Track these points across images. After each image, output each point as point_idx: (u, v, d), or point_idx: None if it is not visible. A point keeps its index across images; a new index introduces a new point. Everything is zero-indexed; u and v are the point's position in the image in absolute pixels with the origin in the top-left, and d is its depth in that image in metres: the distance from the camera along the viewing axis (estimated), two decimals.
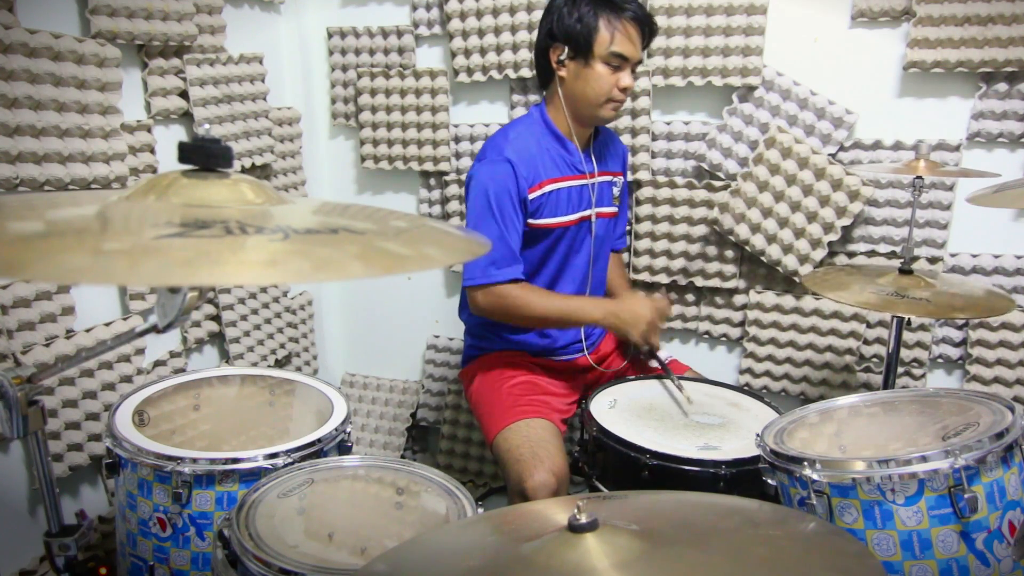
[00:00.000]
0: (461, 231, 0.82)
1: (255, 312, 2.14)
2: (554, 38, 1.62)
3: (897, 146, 1.91)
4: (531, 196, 1.63)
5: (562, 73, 1.63)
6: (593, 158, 1.76)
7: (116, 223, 0.67)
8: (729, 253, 2.09)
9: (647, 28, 1.62)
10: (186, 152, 0.74)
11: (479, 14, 2.10)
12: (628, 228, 2.14)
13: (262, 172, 2.15)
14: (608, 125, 1.88)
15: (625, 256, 2.18)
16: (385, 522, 1.14)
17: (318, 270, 0.59)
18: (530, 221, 1.66)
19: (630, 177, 2.06)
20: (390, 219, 0.81)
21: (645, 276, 2.16)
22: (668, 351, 1.87)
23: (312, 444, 1.32)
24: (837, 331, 2.04)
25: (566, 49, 1.60)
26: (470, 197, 1.64)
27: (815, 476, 1.09)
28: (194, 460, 1.25)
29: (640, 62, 1.67)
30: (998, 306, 1.51)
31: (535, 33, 2.04)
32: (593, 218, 1.75)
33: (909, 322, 1.93)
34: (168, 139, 1.77)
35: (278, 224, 0.66)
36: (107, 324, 1.65)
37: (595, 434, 1.49)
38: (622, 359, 1.89)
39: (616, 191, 1.83)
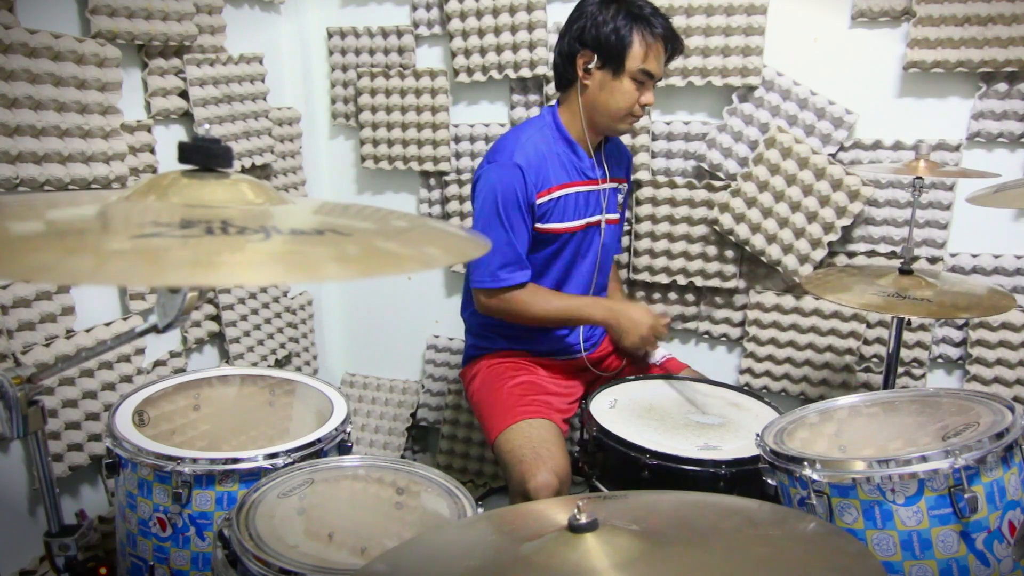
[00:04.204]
0: (462, 231, 0.82)
1: (255, 312, 2.14)
2: (584, 45, 1.59)
3: (897, 146, 1.91)
4: (539, 201, 1.63)
5: (587, 81, 1.62)
6: (605, 164, 1.76)
7: (116, 223, 0.67)
8: (729, 253, 2.09)
9: (673, 48, 1.62)
10: (186, 152, 0.74)
11: (479, 14, 2.10)
12: (628, 228, 2.14)
13: (262, 172, 2.14)
14: None
15: (624, 257, 2.18)
16: (385, 522, 1.14)
17: (315, 271, 0.58)
18: (537, 225, 1.66)
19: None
20: (390, 219, 0.81)
21: (645, 276, 2.16)
22: (667, 350, 1.87)
23: (312, 444, 1.32)
24: (837, 331, 2.04)
25: (596, 58, 1.58)
26: (478, 199, 1.64)
27: (815, 476, 1.09)
28: (194, 460, 1.25)
29: (660, 79, 1.67)
30: (1000, 304, 1.51)
31: (535, 33, 2.05)
32: (602, 224, 1.76)
33: (909, 322, 1.93)
34: (168, 139, 1.77)
35: (277, 224, 0.65)
36: (107, 324, 1.64)
37: (595, 434, 1.49)
38: (621, 359, 1.89)
39: (620, 198, 1.84)
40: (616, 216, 1.82)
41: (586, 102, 1.64)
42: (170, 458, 1.25)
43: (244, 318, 2.09)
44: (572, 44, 1.62)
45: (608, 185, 1.76)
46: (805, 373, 2.11)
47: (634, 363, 1.87)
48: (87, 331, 1.59)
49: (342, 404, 1.47)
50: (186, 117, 1.83)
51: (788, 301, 2.07)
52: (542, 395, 1.73)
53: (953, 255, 1.94)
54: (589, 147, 1.71)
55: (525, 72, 2.10)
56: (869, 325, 2.03)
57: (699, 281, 2.12)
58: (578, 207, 1.71)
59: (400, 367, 2.56)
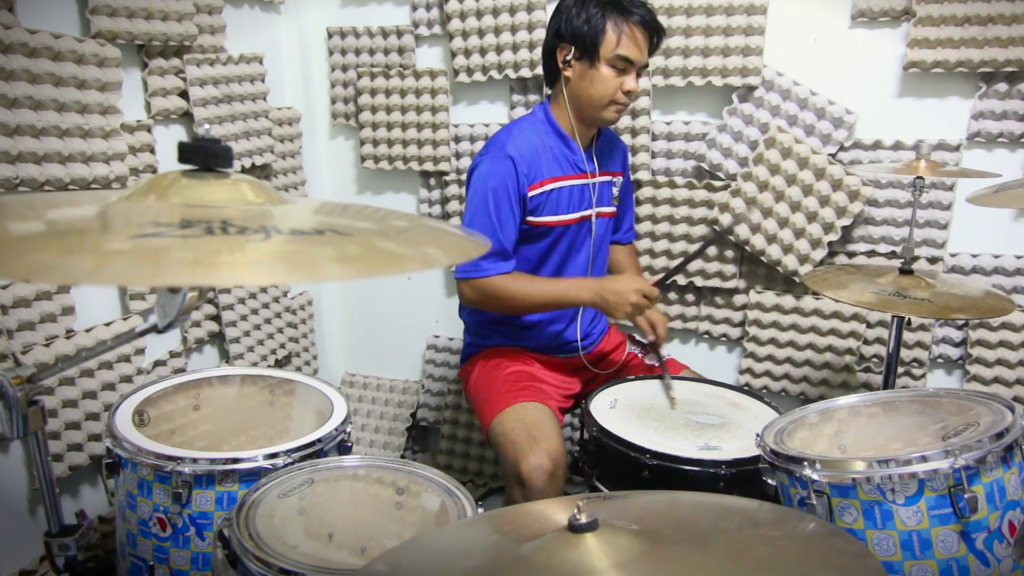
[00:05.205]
0: (461, 231, 0.82)
1: (255, 312, 2.14)
2: (561, 38, 1.62)
3: (897, 146, 1.91)
4: (531, 194, 1.64)
5: (568, 73, 1.64)
6: (595, 158, 1.76)
7: (116, 223, 0.67)
8: (729, 253, 2.09)
9: (654, 33, 1.62)
10: (186, 152, 0.74)
11: (479, 14, 2.10)
12: None
13: (262, 172, 2.15)
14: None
15: None
16: (385, 522, 1.14)
17: (316, 271, 0.58)
18: (530, 219, 1.66)
19: (630, 177, 2.06)
20: (390, 219, 0.81)
21: (645, 276, 2.16)
22: (666, 350, 1.86)
23: (312, 444, 1.32)
24: (837, 331, 2.04)
25: (572, 49, 1.61)
26: (469, 190, 1.66)
27: (815, 476, 1.09)
28: (194, 460, 1.25)
29: (646, 66, 1.67)
30: (999, 307, 1.51)
31: (535, 33, 2.05)
32: (593, 218, 1.76)
33: (909, 322, 1.93)
34: (168, 139, 1.77)
35: (277, 224, 0.65)
36: (107, 324, 1.64)
37: (595, 434, 1.49)
38: (620, 358, 1.89)
39: (615, 191, 1.84)
40: (610, 209, 1.83)
41: (570, 94, 1.66)
42: (170, 458, 1.25)
43: (244, 318, 2.09)
44: (552, 40, 1.65)
45: (600, 179, 1.77)
46: (805, 373, 2.11)
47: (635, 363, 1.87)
48: (87, 331, 1.59)
49: (342, 404, 1.47)
50: (186, 117, 1.83)
51: (788, 301, 2.07)
52: (537, 383, 1.73)
53: (953, 255, 1.94)
54: (581, 141, 1.72)
55: (525, 72, 2.10)
56: (869, 325, 2.03)
57: (699, 281, 2.12)
58: (572, 200, 1.71)
59: (400, 367, 2.56)
